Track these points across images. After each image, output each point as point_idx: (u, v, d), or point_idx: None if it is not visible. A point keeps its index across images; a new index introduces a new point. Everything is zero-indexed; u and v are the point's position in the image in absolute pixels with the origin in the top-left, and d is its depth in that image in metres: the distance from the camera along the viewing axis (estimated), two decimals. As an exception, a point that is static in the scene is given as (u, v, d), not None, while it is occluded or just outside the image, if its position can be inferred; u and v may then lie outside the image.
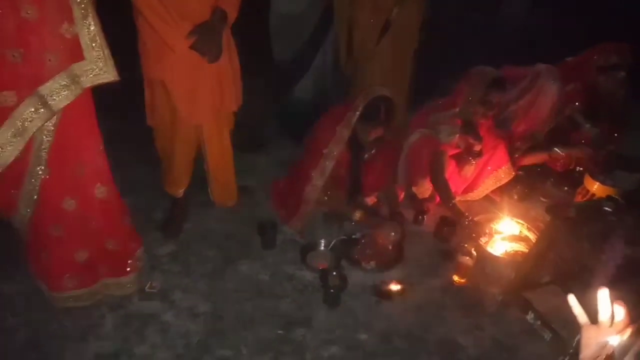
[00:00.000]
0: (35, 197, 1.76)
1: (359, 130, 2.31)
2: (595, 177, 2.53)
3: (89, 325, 1.97)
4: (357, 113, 2.24)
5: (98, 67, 1.62)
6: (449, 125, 2.47)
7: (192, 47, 2.06)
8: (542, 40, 4.12)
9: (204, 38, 2.07)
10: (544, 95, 2.64)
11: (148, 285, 2.16)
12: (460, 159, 2.64)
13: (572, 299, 0.93)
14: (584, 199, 2.53)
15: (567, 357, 1.85)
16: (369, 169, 2.50)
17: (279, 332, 1.99)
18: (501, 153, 2.66)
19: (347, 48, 3.03)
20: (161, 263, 2.30)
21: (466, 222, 2.49)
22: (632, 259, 1.67)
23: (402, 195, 2.75)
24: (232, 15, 2.18)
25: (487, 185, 2.78)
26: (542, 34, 4.48)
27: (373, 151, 2.45)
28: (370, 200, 2.67)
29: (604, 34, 2.79)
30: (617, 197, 2.02)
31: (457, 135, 2.48)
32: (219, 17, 2.11)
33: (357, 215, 2.40)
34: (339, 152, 2.31)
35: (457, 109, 2.47)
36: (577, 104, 2.78)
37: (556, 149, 2.78)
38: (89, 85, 1.64)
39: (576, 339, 1.78)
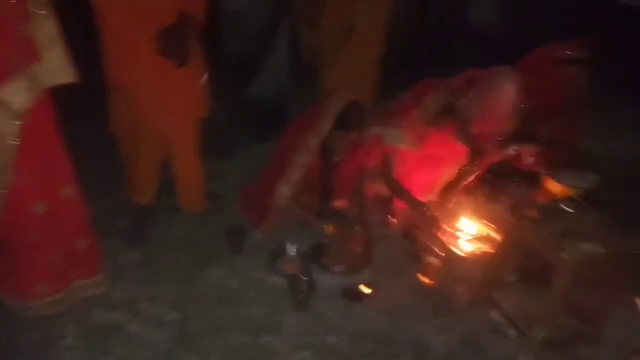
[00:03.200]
0: (1, 204, 1.70)
1: (333, 138, 2.29)
2: (556, 178, 2.60)
3: (49, 338, 1.89)
4: (328, 123, 2.22)
5: (56, 68, 1.59)
6: (401, 131, 2.49)
7: (158, 52, 2.03)
8: (507, 42, 4.24)
9: (171, 42, 2.03)
10: (501, 96, 2.71)
11: (112, 295, 2.09)
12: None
13: None
14: (546, 199, 2.60)
15: (532, 354, 1.90)
16: (338, 172, 2.50)
17: (248, 338, 1.96)
18: (455, 155, 2.71)
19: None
20: (126, 272, 2.24)
21: (423, 210, 2.50)
22: (591, 255, 1.73)
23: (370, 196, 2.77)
24: (199, 18, 2.15)
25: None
26: (508, 36, 4.62)
27: (343, 154, 2.46)
28: (340, 202, 2.67)
29: (567, 33, 2.91)
30: (577, 196, 2.08)
31: (407, 142, 2.50)
32: (185, 20, 2.07)
33: (330, 228, 2.39)
34: (308, 161, 2.29)
35: (410, 123, 2.48)
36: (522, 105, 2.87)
37: (511, 148, 2.86)
38: (47, 86, 1.61)
39: (539, 335, 1.84)
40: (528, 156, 2.84)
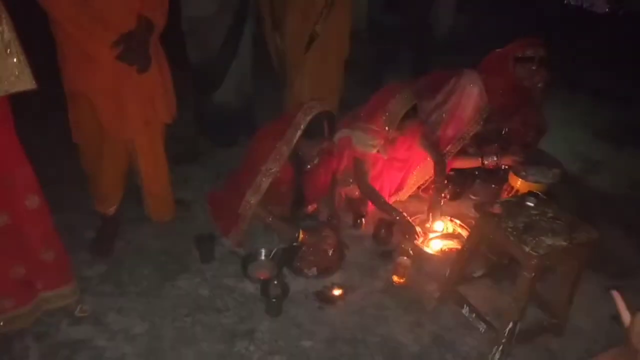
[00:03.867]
0: None
1: (303, 147, 2.29)
2: (518, 174, 2.69)
3: (12, 356, 1.82)
4: (299, 132, 2.22)
5: (13, 75, 1.54)
6: (370, 136, 2.52)
7: (118, 57, 1.98)
8: (468, 42, 4.36)
9: (131, 48, 1.99)
10: (466, 98, 2.78)
11: (78, 309, 2.03)
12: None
13: (616, 296, 0.90)
14: (509, 195, 2.68)
15: (501, 347, 1.95)
16: (310, 179, 2.50)
17: (221, 346, 1.94)
18: (417, 154, 2.77)
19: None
20: (91, 285, 2.18)
21: (398, 217, 2.56)
22: (553, 248, 1.79)
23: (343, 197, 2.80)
24: (160, 23, 2.11)
25: (410, 186, 2.89)
26: (468, 37, 4.75)
27: (315, 161, 2.46)
28: (311, 207, 2.68)
29: (524, 32, 3.02)
30: (538, 192, 2.15)
31: (376, 147, 2.53)
32: (145, 25, 2.04)
33: (300, 236, 2.38)
34: (278, 169, 2.28)
35: (377, 128, 2.51)
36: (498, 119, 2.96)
37: (490, 159, 2.91)
38: (3, 94, 1.55)
39: (507, 328, 1.89)
40: (506, 165, 2.91)
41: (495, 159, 2.90)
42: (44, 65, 1.77)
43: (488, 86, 2.82)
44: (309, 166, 2.44)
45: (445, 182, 2.80)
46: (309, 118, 2.20)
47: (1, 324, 1.87)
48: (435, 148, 2.78)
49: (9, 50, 1.52)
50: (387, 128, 2.47)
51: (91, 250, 2.36)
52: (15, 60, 1.53)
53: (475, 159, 2.94)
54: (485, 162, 2.91)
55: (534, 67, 2.88)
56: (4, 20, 1.49)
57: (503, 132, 3.08)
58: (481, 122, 2.86)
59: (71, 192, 2.60)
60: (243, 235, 2.44)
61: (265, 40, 3.21)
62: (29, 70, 1.57)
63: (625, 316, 0.89)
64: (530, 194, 2.10)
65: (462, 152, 2.93)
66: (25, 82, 1.57)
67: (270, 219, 2.40)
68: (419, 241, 2.57)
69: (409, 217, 2.60)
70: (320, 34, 2.94)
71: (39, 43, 1.87)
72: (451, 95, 2.82)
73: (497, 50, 3.06)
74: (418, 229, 2.59)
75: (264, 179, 2.28)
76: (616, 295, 0.92)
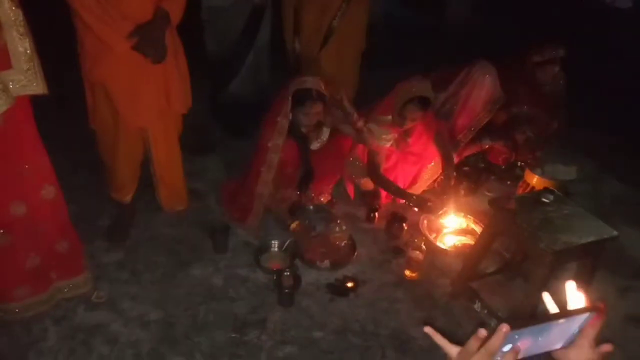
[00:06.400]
0: None
1: (299, 117, 2.34)
2: (534, 171, 2.66)
3: (29, 341, 1.87)
4: (289, 99, 2.27)
5: (26, 79, 1.58)
6: (383, 129, 2.51)
7: (134, 47, 2.00)
8: (484, 40, 4.31)
9: (147, 38, 2.00)
10: (478, 88, 2.75)
11: (94, 295, 2.07)
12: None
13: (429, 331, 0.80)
14: (525, 191, 2.66)
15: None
16: (320, 163, 2.51)
17: (233, 335, 1.97)
18: (431, 148, 2.75)
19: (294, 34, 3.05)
20: (107, 271, 2.22)
21: (411, 200, 2.58)
22: (568, 245, 1.77)
23: (352, 192, 2.80)
24: (177, 14, 2.12)
25: (424, 180, 2.87)
26: (484, 35, 4.69)
27: (321, 140, 2.47)
28: (324, 198, 2.69)
29: (540, 33, 2.97)
30: (554, 188, 2.13)
31: (390, 141, 2.54)
32: (162, 16, 2.05)
33: (294, 225, 2.42)
34: (282, 143, 2.32)
35: (390, 117, 2.52)
36: (525, 107, 2.93)
37: (485, 140, 2.91)
38: (15, 94, 1.58)
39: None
40: (500, 149, 2.90)
41: (488, 142, 2.92)
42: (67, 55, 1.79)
43: (510, 97, 2.79)
44: (317, 145, 2.46)
45: (453, 182, 2.75)
46: (295, 88, 2.27)
47: (16, 310, 1.91)
48: (447, 148, 2.74)
49: (24, 54, 1.56)
50: (394, 114, 2.48)
51: (107, 237, 2.40)
52: (29, 64, 1.57)
53: (475, 145, 2.94)
54: (483, 146, 2.94)
55: (556, 69, 2.84)
56: (23, 24, 1.53)
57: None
58: (493, 112, 2.83)
59: (88, 180, 2.65)
60: (257, 222, 2.46)
61: (284, 44, 3.20)
62: (41, 74, 1.61)
63: (447, 348, 0.80)
64: (546, 190, 2.08)
65: (474, 141, 2.93)
66: (37, 87, 1.61)
67: (278, 209, 2.46)
68: (435, 214, 2.59)
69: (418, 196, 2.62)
70: (338, 29, 2.94)
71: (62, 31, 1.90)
72: (464, 85, 2.80)
73: (513, 56, 3.02)
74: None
75: (272, 155, 2.33)
76: (429, 330, 0.81)
